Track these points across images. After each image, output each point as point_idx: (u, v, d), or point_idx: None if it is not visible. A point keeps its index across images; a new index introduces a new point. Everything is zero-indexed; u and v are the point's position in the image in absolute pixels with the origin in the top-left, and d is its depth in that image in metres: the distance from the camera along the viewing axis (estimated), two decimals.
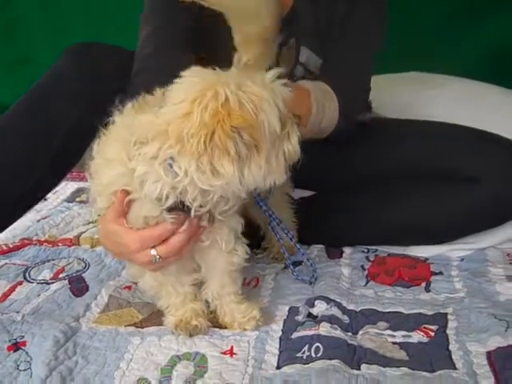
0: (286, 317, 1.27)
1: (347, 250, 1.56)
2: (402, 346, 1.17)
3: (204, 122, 0.98)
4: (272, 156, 1.05)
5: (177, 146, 1.00)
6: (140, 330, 1.25)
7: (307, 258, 1.40)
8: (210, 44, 1.41)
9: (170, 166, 1.02)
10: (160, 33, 1.41)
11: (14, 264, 1.54)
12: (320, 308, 1.26)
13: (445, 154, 1.52)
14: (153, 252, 1.12)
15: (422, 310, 1.28)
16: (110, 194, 1.13)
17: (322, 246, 1.58)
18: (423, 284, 1.39)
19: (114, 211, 1.13)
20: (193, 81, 1.04)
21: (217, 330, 1.23)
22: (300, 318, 1.26)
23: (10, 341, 1.21)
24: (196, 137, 0.98)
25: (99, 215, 1.22)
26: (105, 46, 1.49)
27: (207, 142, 0.98)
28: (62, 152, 1.42)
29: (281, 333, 1.22)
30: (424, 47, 2.35)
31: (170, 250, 1.12)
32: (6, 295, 1.40)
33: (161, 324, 1.25)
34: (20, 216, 1.51)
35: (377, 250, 1.56)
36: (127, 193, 1.10)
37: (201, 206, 1.07)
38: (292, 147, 1.09)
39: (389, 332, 1.21)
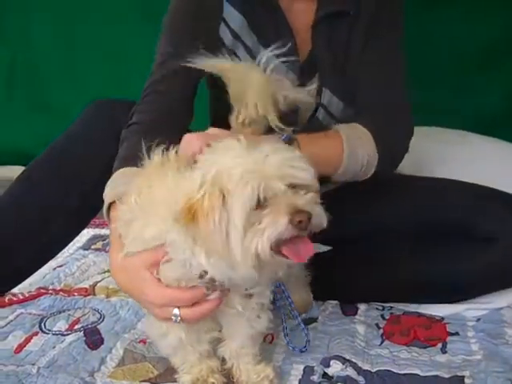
0: (301, 376, 1.27)
1: (362, 307, 1.56)
2: None
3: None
4: (221, 248, 1.01)
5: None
6: None
7: (303, 326, 1.35)
8: None
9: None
10: (175, 80, 1.43)
11: (30, 314, 1.54)
12: (335, 368, 1.26)
13: (461, 212, 1.52)
14: (175, 311, 1.10)
15: (438, 373, 1.27)
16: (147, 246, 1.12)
17: (336, 302, 1.58)
18: (439, 345, 1.39)
19: (149, 258, 1.10)
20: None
21: None
22: (315, 378, 1.25)
23: None
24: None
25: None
26: (124, 101, 1.53)
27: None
28: (82, 207, 1.43)
29: None
30: (444, 101, 2.37)
31: (195, 315, 1.11)
32: (21, 346, 1.40)
33: (176, 381, 1.25)
34: (34, 271, 1.51)
35: (391, 307, 1.56)
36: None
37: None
38: (261, 242, 1.00)
39: None
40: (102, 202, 1.38)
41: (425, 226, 1.55)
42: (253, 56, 1.48)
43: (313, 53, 1.52)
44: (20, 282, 1.50)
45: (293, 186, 1.03)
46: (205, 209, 0.99)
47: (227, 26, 1.48)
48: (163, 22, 1.50)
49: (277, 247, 1.01)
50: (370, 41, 1.52)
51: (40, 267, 1.50)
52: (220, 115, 1.39)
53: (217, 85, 1.47)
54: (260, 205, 1.00)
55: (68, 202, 1.42)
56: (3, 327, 1.48)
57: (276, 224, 0.99)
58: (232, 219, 0.99)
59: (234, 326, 1.20)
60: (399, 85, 1.54)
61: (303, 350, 1.32)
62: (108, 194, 1.27)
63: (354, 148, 1.41)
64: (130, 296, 1.26)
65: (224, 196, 0.99)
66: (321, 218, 1.03)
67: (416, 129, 2.25)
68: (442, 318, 1.50)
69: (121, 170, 1.28)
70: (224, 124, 1.31)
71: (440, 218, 1.54)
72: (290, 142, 1.33)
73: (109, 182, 1.27)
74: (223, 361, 1.25)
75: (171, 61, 1.43)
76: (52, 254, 1.52)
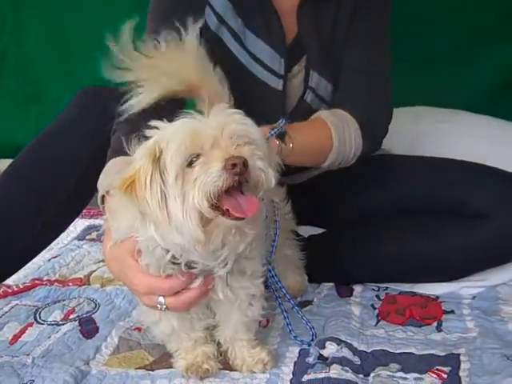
0: (296, 359, 1.27)
1: (357, 288, 1.56)
2: None
3: None
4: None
5: None
6: (150, 372, 1.25)
7: (307, 322, 1.33)
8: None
9: None
10: None
11: (25, 305, 1.54)
12: (331, 349, 1.25)
13: (454, 189, 1.52)
14: (160, 299, 1.10)
15: (434, 351, 1.27)
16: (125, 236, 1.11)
17: (331, 284, 1.58)
18: (434, 323, 1.38)
19: (132, 246, 1.10)
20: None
21: (227, 372, 1.23)
22: (311, 359, 1.25)
23: None
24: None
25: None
26: (113, 89, 1.51)
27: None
28: (73, 195, 1.43)
29: (291, 375, 1.21)
30: (429, 81, 2.37)
31: (179, 304, 1.11)
32: (16, 337, 1.40)
33: (171, 366, 1.25)
34: (28, 261, 1.50)
35: (387, 288, 1.55)
36: None
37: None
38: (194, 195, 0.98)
39: (400, 374, 1.20)
40: (94, 189, 1.37)
41: (419, 203, 1.55)
42: (238, 39, 1.47)
43: (299, 35, 1.50)
44: (13, 273, 1.49)
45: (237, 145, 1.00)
46: (141, 175, 0.98)
47: (212, 9, 1.46)
48: (148, 8, 1.47)
49: (217, 203, 0.97)
50: (355, 21, 1.50)
51: (33, 257, 1.49)
52: None
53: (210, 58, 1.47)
54: (193, 161, 0.98)
55: (59, 190, 1.41)
56: None
57: (207, 171, 0.96)
58: (166, 179, 0.97)
59: (227, 314, 1.19)
60: (383, 68, 1.54)
61: (310, 343, 1.29)
62: (100, 185, 1.26)
63: (342, 136, 1.43)
64: (123, 284, 1.27)
65: (159, 159, 0.98)
66: (264, 173, 1.00)
67: (408, 108, 2.26)
68: (438, 297, 1.49)
69: (112, 160, 1.28)
70: None
71: (434, 196, 1.54)
72: (281, 135, 1.32)
73: (102, 173, 1.26)
74: (219, 344, 1.25)
75: None
76: (45, 243, 1.50)
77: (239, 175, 0.96)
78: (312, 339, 1.30)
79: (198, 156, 0.98)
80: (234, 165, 0.96)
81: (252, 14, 1.47)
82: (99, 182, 1.27)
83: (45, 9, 2.65)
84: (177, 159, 0.97)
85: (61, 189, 1.41)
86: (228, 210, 0.98)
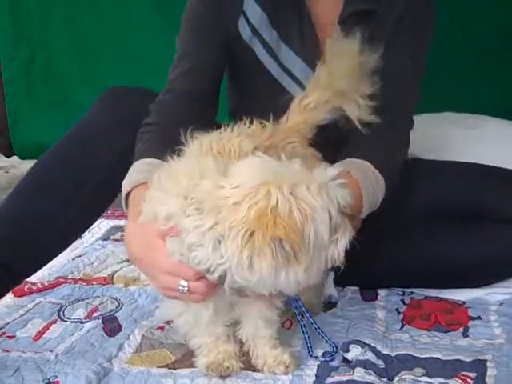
0: (319, 362, 1.25)
1: (382, 293, 1.54)
2: None
3: (248, 219, 1.00)
4: (313, 263, 1.05)
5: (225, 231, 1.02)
6: (172, 371, 1.24)
7: (327, 340, 1.29)
8: (247, 79, 1.45)
9: (219, 242, 1.03)
10: (191, 78, 1.44)
11: (49, 302, 1.55)
12: (355, 352, 1.24)
13: (480, 194, 1.50)
14: (182, 282, 1.10)
15: (459, 357, 1.24)
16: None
17: (356, 288, 1.56)
18: (461, 329, 1.36)
19: (163, 231, 1.10)
20: (252, 170, 1.05)
21: (250, 372, 1.22)
22: (334, 363, 1.23)
23: (43, 380, 1.21)
24: (235, 231, 1.00)
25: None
26: (137, 89, 1.53)
27: (244, 240, 1.00)
28: (95, 195, 1.44)
29: (314, 378, 1.20)
30: (456, 87, 2.36)
31: (201, 287, 1.10)
32: (40, 334, 1.41)
33: (193, 366, 1.24)
34: (50, 259, 1.50)
35: (412, 292, 1.54)
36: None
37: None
38: (337, 253, 1.08)
39: (426, 379, 1.18)
40: (117, 189, 1.38)
41: (446, 208, 1.54)
42: (271, 51, 1.45)
43: None
44: (36, 271, 1.50)
45: None
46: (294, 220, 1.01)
47: (247, 20, 1.45)
48: (183, 16, 1.48)
49: None
50: (390, 45, 1.43)
51: (57, 255, 1.50)
52: (243, 101, 1.37)
53: (241, 70, 1.48)
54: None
55: (82, 189, 1.42)
56: (23, 315, 1.49)
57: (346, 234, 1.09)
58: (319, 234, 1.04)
59: (247, 308, 1.19)
60: (406, 102, 1.49)
61: (329, 359, 1.25)
62: (126, 183, 1.28)
63: (371, 194, 1.36)
64: (139, 266, 1.26)
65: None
66: None
67: (436, 114, 2.25)
68: (464, 303, 1.47)
69: (140, 160, 1.29)
70: (246, 111, 1.30)
71: (462, 201, 1.52)
72: None
73: (129, 171, 1.29)
74: (241, 344, 1.24)
75: (188, 58, 1.44)
76: (67, 242, 1.52)
77: None
78: (332, 355, 1.26)
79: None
80: None
81: (288, 26, 1.45)
82: (124, 181, 1.28)
83: (70, 16, 2.71)
84: (320, 237, 1.04)
85: (84, 189, 1.42)
86: None
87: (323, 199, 1.04)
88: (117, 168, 1.38)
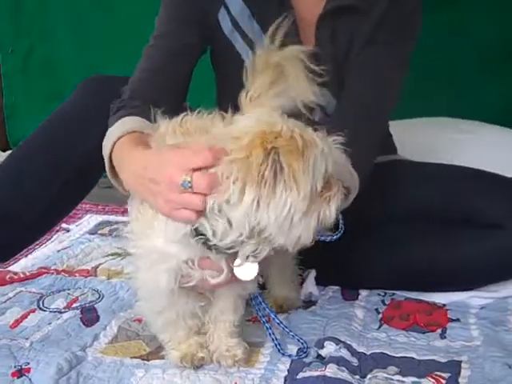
0: (293, 357, 1.24)
1: (363, 293, 1.53)
2: None
3: (250, 145, 0.98)
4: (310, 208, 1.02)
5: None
6: (145, 362, 1.24)
7: (294, 335, 1.28)
8: (228, 71, 1.45)
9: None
10: (165, 58, 1.44)
11: (30, 292, 1.55)
12: (329, 349, 1.23)
13: (466, 197, 1.49)
14: (185, 177, 1.02)
15: (435, 357, 1.24)
16: None
17: (337, 287, 1.55)
18: (439, 330, 1.35)
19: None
20: (260, 115, 1.05)
21: (222, 365, 1.21)
22: (307, 359, 1.23)
23: (15, 367, 1.20)
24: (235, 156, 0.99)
25: None
26: (119, 77, 1.53)
27: (243, 162, 0.98)
28: (77, 176, 1.45)
29: (286, 372, 1.19)
30: (453, 93, 2.35)
31: (205, 184, 1.02)
32: (17, 322, 1.40)
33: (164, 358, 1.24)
34: (36, 238, 1.52)
35: (394, 293, 1.53)
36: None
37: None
38: (329, 213, 1.06)
39: (398, 377, 1.17)
40: (99, 172, 1.38)
41: (431, 211, 1.53)
42: (252, 45, 1.45)
43: (316, 52, 1.48)
44: (21, 250, 1.51)
45: None
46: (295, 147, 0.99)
47: (228, 11, 1.44)
48: None
49: None
50: (371, 44, 1.43)
51: (38, 237, 1.51)
52: (228, 92, 1.36)
53: (223, 62, 1.48)
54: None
55: (62, 173, 1.43)
56: (2, 303, 1.49)
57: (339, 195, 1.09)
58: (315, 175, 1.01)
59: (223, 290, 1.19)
60: (385, 106, 1.47)
61: (302, 356, 1.24)
62: (114, 131, 1.26)
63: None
64: (140, 184, 1.14)
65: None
66: None
67: (430, 119, 2.25)
68: (444, 305, 1.46)
69: (129, 117, 1.27)
70: (232, 99, 1.29)
71: (447, 204, 1.51)
72: None
73: (113, 127, 1.27)
74: (203, 325, 1.23)
75: (164, 38, 1.45)
76: (47, 226, 1.52)
77: None
78: (304, 351, 1.25)
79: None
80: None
81: (270, 20, 1.45)
82: (111, 129, 1.27)
83: (71, 8, 2.70)
84: (315, 179, 1.02)
85: (64, 173, 1.43)
86: None
87: (325, 145, 1.03)
88: (97, 150, 1.39)
